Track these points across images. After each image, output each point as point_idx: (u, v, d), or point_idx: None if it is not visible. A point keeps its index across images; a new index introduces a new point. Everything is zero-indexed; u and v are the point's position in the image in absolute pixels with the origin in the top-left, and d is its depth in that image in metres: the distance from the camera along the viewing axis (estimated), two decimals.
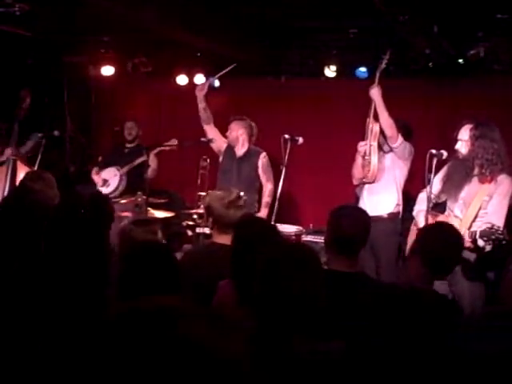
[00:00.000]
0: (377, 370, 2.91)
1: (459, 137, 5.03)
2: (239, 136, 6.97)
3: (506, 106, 7.13)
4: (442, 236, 3.20)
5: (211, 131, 7.22)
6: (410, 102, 7.72)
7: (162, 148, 7.36)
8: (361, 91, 7.46)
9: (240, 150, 7.02)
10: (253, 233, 3.51)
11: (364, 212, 3.72)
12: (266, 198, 6.84)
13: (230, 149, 7.10)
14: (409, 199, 6.32)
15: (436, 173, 5.03)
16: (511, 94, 7.07)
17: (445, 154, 5.05)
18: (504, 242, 4.38)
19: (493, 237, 4.37)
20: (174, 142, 7.28)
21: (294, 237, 6.45)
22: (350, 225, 3.45)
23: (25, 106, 7.22)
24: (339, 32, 7.14)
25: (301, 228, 6.66)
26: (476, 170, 4.90)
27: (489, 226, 4.48)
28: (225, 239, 4.07)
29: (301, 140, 6.37)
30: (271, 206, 6.42)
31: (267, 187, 6.90)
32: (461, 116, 7.27)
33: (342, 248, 3.44)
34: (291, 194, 7.92)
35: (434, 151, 4.98)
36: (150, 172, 7.27)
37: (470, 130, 4.95)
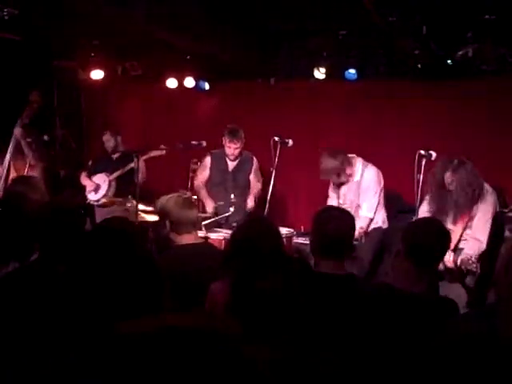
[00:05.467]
0: (366, 371, 2.92)
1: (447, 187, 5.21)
2: (241, 149, 7.00)
3: (494, 106, 7.17)
4: (423, 225, 3.23)
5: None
6: (398, 103, 7.75)
7: (152, 155, 7.33)
8: (350, 93, 7.50)
9: (235, 161, 7.02)
10: (255, 233, 3.47)
11: (349, 213, 3.70)
12: (255, 192, 6.94)
13: (217, 160, 7.06)
14: (398, 199, 6.36)
15: (424, 172, 5.10)
16: (499, 95, 7.11)
17: (433, 154, 5.10)
18: (477, 274, 4.99)
19: (468, 267, 4.91)
20: (163, 149, 7.26)
21: (284, 239, 6.44)
22: (336, 228, 3.43)
23: (33, 108, 7.23)
24: (328, 34, 7.15)
25: (291, 230, 6.66)
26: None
27: (468, 256, 4.96)
28: (187, 239, 4.06)
29: (291, 142, 6.38)
30: (262, 208, 6.42)
31: (257, 186, 7.00)
32: (449, 117, 7.34)
33: (330, 251, 3.42)
34: (281, 196, 7.92)
35: (422, 152, 5.02)
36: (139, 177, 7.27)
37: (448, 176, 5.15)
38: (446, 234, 3.29)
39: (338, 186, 6.37)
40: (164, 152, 7.24)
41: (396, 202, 6.40)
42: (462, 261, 4.90)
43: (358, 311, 3.06)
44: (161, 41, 6.89)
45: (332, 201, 6.42)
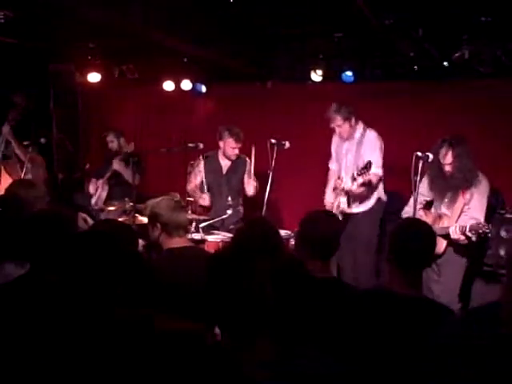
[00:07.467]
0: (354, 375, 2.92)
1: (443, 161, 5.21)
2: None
3: (491, 107, 7.18)
4: (409, 229, 3.23)
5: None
6: (395, 105, 7.75)
7: (126, 154, 7.34)
8: (347, 95, 7.49)
9: (230, 162, 6.99)
10: (254, 236, 3.47)
11: (335, 216, 3.78)
12: (254, 185, 6.80)
13: (210, 163, 6.98)
14: (394, 201, 6.36)
15: (422, 174, 5.11)
16: (496, 96, 7.12)
17: (430, 156, 5.11)
18: (489, 235, 5.04)
19: (480, 231, 4.83)
20: (132, 146, 7.35)
21: None
22: (325, 229, 3.47)
23: (18, 110, 7.22)
24: (325, 37, 7.16)
25: (289, 232, 6.65)
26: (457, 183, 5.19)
27: (476, 221, 4.93)
28: (178, 242, 4.03)
29: (287, 144, 6.37)
30: (259, 210, 6.40)
31: (253, 183, 6.82)
32: (446, 118, 7.35)
33: (317, 251, 3.44)
34: (278, 198, 7.92)
35: (419, 153, 5.04)
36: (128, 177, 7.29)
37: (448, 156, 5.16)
38: (432, 236, 3.28)
39: (339, 145, 6.49)
40: (133, 147, 7.31)
41: (394, 202, 6.39)
42: (471, 226, 4.85)
43: (346, 315, 3.06)
44: (158, 44, 6.89)
45: (333, 168, 6.61)
